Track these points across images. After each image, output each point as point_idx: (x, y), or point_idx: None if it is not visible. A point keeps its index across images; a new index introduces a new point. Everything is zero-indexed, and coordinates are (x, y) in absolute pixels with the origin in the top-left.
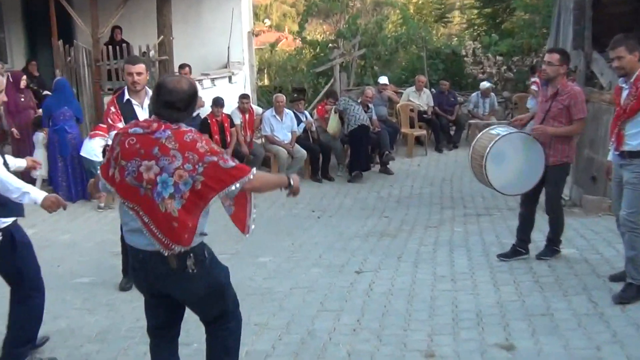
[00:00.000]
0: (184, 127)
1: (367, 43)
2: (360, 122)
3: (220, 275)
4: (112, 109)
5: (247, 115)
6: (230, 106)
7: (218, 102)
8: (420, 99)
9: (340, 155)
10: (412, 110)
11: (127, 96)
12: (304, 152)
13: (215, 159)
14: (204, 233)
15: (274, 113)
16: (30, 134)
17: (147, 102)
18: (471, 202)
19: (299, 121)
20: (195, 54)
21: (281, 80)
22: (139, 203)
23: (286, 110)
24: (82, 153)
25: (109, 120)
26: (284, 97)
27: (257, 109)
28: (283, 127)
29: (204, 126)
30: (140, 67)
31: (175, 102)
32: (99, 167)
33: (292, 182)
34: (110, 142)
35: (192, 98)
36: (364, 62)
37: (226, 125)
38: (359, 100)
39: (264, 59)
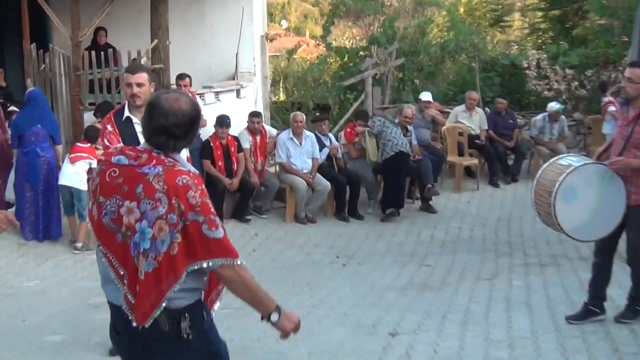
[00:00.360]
0: (180, 166)
1: (407, 51)
2: (398, 148)
3: (220, 345)
4: (109, 127)
5: (258, 138)
6: (237, 126)
7: (223, 122)
8: (472, 120)
9: (372, 189)
10: (461, 134)
11: (127, 113)
12: (328, 183)
13: (200, 219)
14: (202, 288)
15: (291, 135)
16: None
17: None
18: (534, 248)
19: (322, 146)
20: (197, 62)
21: (300, 95)
22: (114, 251)
23: (306, 133)
24: (63, 182)
25: (106, 141)
26: (304, 116)
27: (271, 130)
28: (302, 152)
29: (205, 150)
30: (142, 76)
31: (171, 127)
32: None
33: (277, 317)
34: (95, 166)
35: (193, 122)
36: (402, 74)
37: (232, 149)
38: (396, 121)
39: (280, 68)
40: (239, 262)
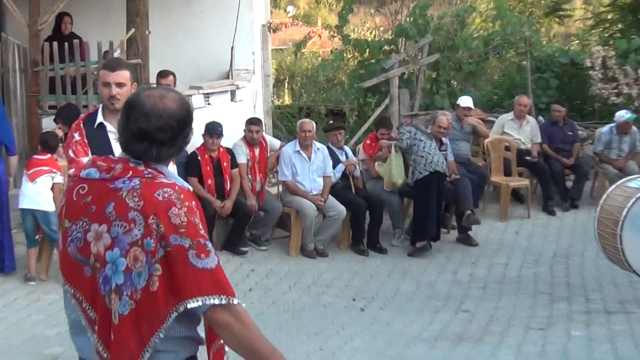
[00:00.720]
0: (162, 178)
1: (442, 46)
2: (433, 166)
3: None
4: (76, 135)
5: (257, 151)
6: (231, 136)
7: (213, 130)
8: (522, 131)
9: (398, 215)
10: (508, 149)
11: (100, 118)
12: (342, 208)
13: (186, 243)
14: (198, 338)
15: (298, 148)
16: None
17: None
18: (597, 291)
19: (336, 161)
20: (182, 57)
21: (310, 98)
22: (82, 289)
23: (317, 145)
24: (24, 205)
25: (71, 152)
26: (314, 125)
27: (273, 142)
28: (311, 169)
29: (191, 166)
30: (123, 75)
31: (153, 131)
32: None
33: None
34: (59, 180)
35: (182, 125)
36: (436, 73)
37: (225, 164)
38: (429, 131)
39: (285, 65)
40: (236, 302)
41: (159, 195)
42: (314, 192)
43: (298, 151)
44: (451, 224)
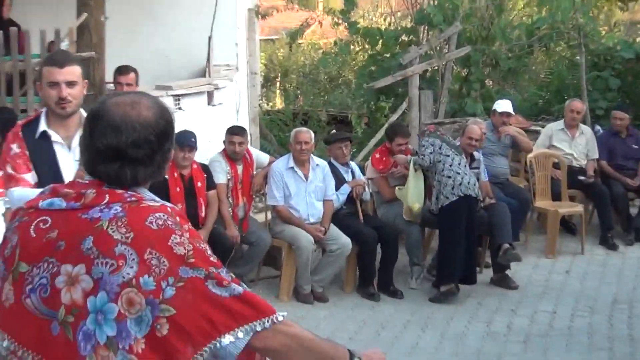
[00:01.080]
0: (147, 200)
1: (474, 36)
2: (462, 189)
3: None
4: (15, 147)
5: (240, 168)
6: (208, 149)
7: (185, 142)
8: (574, 144)
9: (418, 249)
10: (557, 167)
11: (43, 126)
12: (347, 241)
13: (201, 273)
14: None
15: (291, 164)
16: None
17: (79, 137)
18: None
19: (340, 182)
20: (147, 49)
21: (308, 101)
22: (47, 353)
23: (315, 160)
24: None
25: (9, 168)
26: (312, 135)
27: (260, 157)
28: (309, 191)
29: (155, 186)
30: (74, 71)
31: (126, 147)
32: None
33: None
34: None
35: (162, 138)
36: (466, 71)
37: (199, 185)
38: (457, 144)
39: (277, 60)
40: (280, 318)
41: (151, 223)
42: (312, 221)
43: (292, 168)
44: (485, 261)
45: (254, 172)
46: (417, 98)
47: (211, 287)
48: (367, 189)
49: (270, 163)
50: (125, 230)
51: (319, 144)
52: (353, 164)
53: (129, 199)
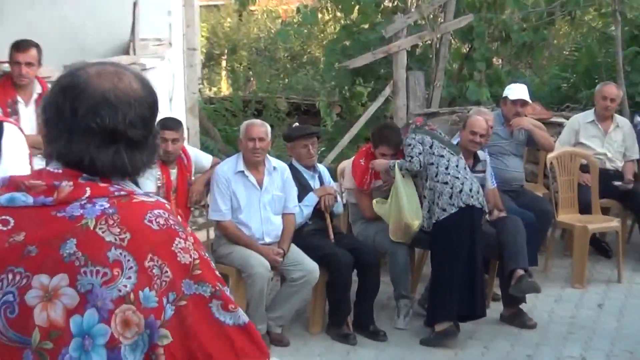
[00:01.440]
0: (140, 195)
1: (478, 2)
2: (463, 198)
3: None
4: None
5: (173, 172)
6: None
7: None
8: (608, 140)
9: (405, 277)
10: (586, 169)
11: None
12: (314, 266)
13: (206, 291)
14: None
15: (241, 168)
16: None
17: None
18: None
19: (305, 190)
20: (52, 21)
21: (263, 85)
22: None
23: (272, 162)
24: None
25: None
26: (268, 129)
27: (200, 158)
28: (263, 202)
29: None
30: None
31: (126, 128)
32: None
33: None
34: None
35: (154, 116)
36: (468, 46)
37: None
38: (455, 142)
39: (223, 33)
40: None
41: (151, 221)
42: (268, 240)
43: (242, 172)
44: (493, 293)
45: (192, 178)
46: (405, 81)
47: (215, 311)
48: (339, 199)
49: (213, 166)
50: (119, 230)
51: (277, 141)
52: (321, 167)
53: (116, 193)
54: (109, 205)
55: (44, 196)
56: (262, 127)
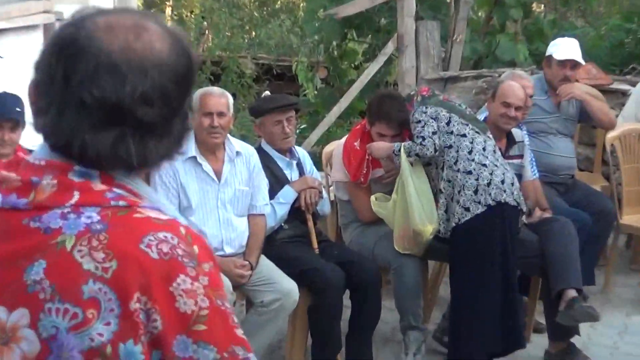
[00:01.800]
0: (147, 207)
1: None
2: (493, 193)
3: None
4: None
5: None
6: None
7: (2, 113)
8: None
9: (415, 300)
10: None
11: None
12: (291, 286)
13: (208, 357)
14: None
15: (192, 153)
16: None
17: None
18: None
19: (279, 182)
20: None
21: (222, 42)
22: None
23: (235, 146)
24: None
25: None
26: (230, 101)
27: None
28: (222, 199)
29: None
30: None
31: (133, 105)
32: None
33: None
34: None
35: (185, 90)
36: None
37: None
38: (482, 117)
39: None
40: None
41: (149, 247)
42: (229, 251)
43: (194, 159)
44: (534, 321)
45: None
46: (414, 35)
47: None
48: (325, 194)
49: None
50: (104, 255)
51: (241, 116)
52: (301, 152)
53: (113, 202)
54: (99, 218)
55: (16, 196)
56: (221, 98)
